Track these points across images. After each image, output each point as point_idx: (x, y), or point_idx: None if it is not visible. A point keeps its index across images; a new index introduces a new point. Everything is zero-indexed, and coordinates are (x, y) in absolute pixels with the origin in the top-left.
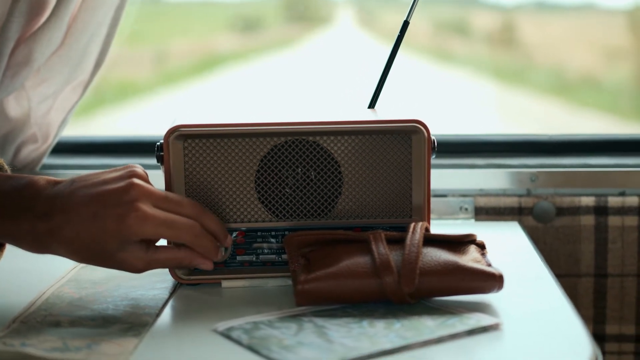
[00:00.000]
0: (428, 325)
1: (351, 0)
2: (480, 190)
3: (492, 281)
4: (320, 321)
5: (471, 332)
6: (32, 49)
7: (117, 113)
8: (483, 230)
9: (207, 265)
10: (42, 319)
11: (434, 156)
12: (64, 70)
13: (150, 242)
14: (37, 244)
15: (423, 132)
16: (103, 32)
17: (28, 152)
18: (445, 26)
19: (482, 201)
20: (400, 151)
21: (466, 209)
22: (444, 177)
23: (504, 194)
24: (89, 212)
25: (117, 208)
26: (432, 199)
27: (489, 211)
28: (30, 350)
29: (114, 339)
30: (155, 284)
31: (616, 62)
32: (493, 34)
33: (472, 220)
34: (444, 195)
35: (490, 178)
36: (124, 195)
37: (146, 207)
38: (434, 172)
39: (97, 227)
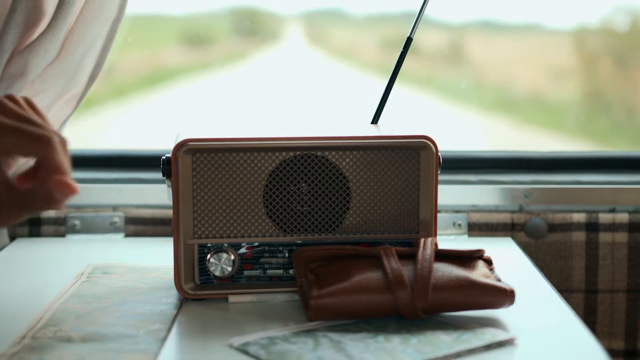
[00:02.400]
0: (444, 341)
1: (300, 17)
2: (473, 206)
3: (504, 296)
4: (335, 336)
5: (488, 347)
6: (28, 60)
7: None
8: (478, 246)
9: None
10: (52, 334)
11: (439, 171)
12: (58, 82)
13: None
14: None
15: (431, 147)
16: (99, 45)
17: (20, 164)
18: (392, 43)
19: (475, 217)
20: (408, 166)
21: (459, 225)
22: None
23: (496, 210)
24: None
25: None
26: None
27: (482, 227)
28: None
29: (129, 355)
30: (161, 299)
31: (561, 82)
32: (440, 52)
33: (466, 236)
34: (438, 211)
35: (483, 194)
36: None
37: (5, 101)
38: None
39: None
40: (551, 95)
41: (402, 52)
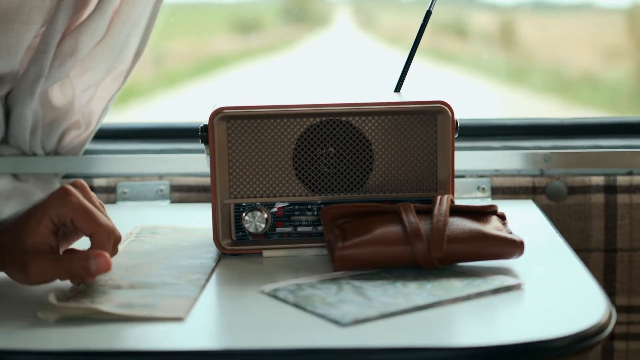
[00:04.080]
0: (456, 286)
1: (349, 1)
2: (496, 170)
3: (514, 247)
4: (357, 283)
5: (496, 291)
6: (78, 40)
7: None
8: (500, 208)
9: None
10: (104, 282)
11: (457, 135)
12: (106, 60)
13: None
14: None
15: (448, 112)
16: (143, 24)
17: (71, 138)
18: (442, 26)
19: (498, 181)
20: (426, 130)
21: (483, 189)
22: (462, 159)
23: (518, 174)
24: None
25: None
26: None
27: (504, 190)
28: (101, 307)
29: (172, 299)
30: (201, 254)
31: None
32: (491, 34)
33: (489, 199)
34: (462, 176)
35: (506, 159)
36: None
37: (73, 189)
38: None
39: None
40: (605, 75)
41: (421, 24)
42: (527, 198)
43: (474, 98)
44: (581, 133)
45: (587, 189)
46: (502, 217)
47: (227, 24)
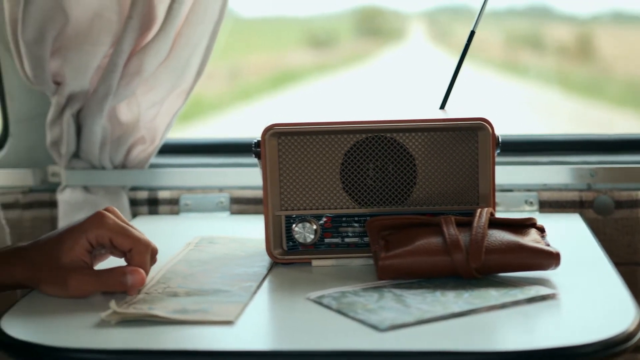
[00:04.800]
0: (493, 295)
1: (423, 14)
2: (544, 185)
3: (550, 258)
4: (398, 291)
5: (531, 300)
6: (143, 60)
7: (195, 128)
8: (547, 222)
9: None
10: (162, 290)
11: (498, 151)
12: (169, 79)
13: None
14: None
15: (488, 129)
16: (204, 45)
17: (137, 152)
18: (517, 39)
19: (546, 195)
20: (468, 146)
21: (531, 202)
22: (511, 173)
23: (566, 188)
24: (55, 234)
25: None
26: (500, 193)
27: (552, 204)
28: (157, 312)
29: (223, 304)
30: (255, 263)
31: None
32: (568, 46)
33: (537, 213)
34: (511, 190)
35: (553, 174)
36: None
37: (107, 213)
38: (501, 168)
39: (60, 233)
40: None
41: (465, 44)
42: (574, 212)
43: (548, 111)
44: (628, 148)
45: (634, 204)
46: (541, 230)
47: (302, 38)
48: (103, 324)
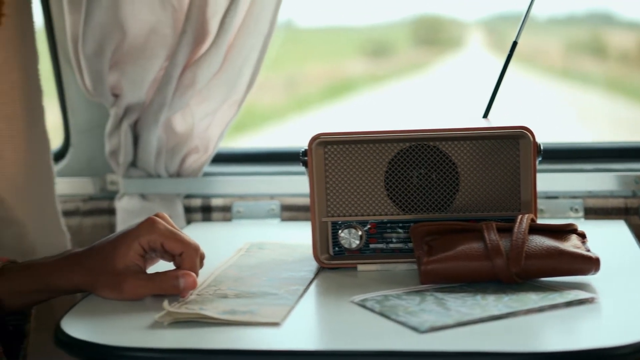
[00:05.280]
0: (532, 298)
1: (481, 23)
2: (589, 192)
3: (590, 263)
4: (440, 295)
5: (569, 304)
6: (196, 73)
7: (250, 139)
8: (592, 228)
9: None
10: (213, 292)
11: (540, 158)
12: (221, 90)
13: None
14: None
15: (529, 137)
16: (255, 57)
17: (192, 161)
18: (577, 46)
19: (591, 202)
20: (509, 153)
21: (576, 209)
22: (556, 180)
23: (611, 195)
24: (109, 240)
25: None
26: (545, 200)
27: (597, 211)
28: (207, 312)
29: (271, 307)
30: (302, 267)
31: None
32: (630, 53)
33: (582, 220)
34: (556, 197)
35: (598, 181)
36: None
37: (158, 219)
38: (547, 176)
39: (114, 239)
40: None
41: (508, 55)
42: (619, 219)
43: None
44: None
45: None
46: (582, 236)
47: (359, 47)
48: (156, 324)
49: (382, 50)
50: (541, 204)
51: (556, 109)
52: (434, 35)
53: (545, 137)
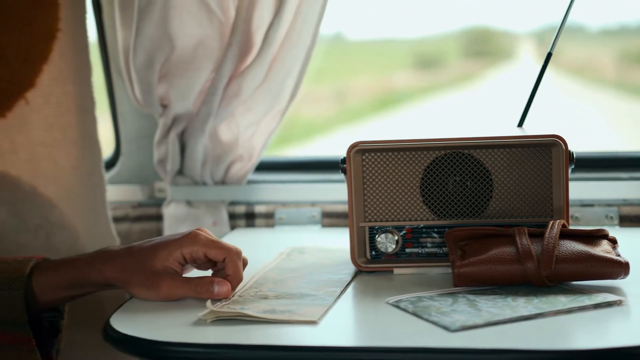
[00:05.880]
0: (561, 300)
1: (532, 34)
2: (624, 200)
3: (619, 267)
4: (472, 297)
5: (597, 306)
6: (241, 84)
7: (297, 150)
8: (627, 236)
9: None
10: (254, 293)
11: (572, 166)
12: (265, 100)
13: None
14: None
15: (561, 145)
16: (297, 69)
17: (236, 169)
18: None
19: (626, 210)
20: (542, 161)
21: (611, 217)
22: (591, 189)
23: None
24: (150, 242)
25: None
26: (581, 208)
27: (632, 219)
28: (248, 311)
29: (309, 306)
30: (340, 270)
31: None
32: None
33: (617, 227)
34: (591, 205)
35: (633, 189)
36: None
37: (199, 231)
38: (582, 184)
39: (155, 244)
40: None
41: (543, 65)
42: None
43: None
44: None
45: None
46: (613, 241)
47: (408, 59)
48: (199, 322)
49: (432, 62)
50: (577, 211)
51: (610, 120)
52: (484, 47)
53: (599, 147)
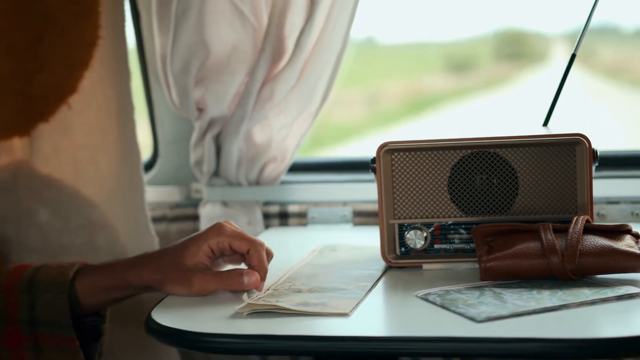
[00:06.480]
0: (585, 293)
1: (566, 36)
2: None
3: None
4: (498, 290)
5: (620, 298)
6: (274, 87)
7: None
8: None
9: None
10: (288, 287)
11: (596, 163)
12: (297, 103)
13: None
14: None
15: (585, 143)
16: (329, 72)
17: (270, 170)
18: None
19: None
20: (566, 159)
21: (637, 214)
22: (617, 186)
23: None
24: (179, 242)
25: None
26: (607, 205)
27: None
28: (283, 304)
29: (341, 300)
30: (371, 266)
31: None
32: None
33: None
34: (617, 202)
35: None
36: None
37: (224, 223)
38: (608, 182)
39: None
40: None
41: (567, 67)
42: None
43: None
44: None
45: None
46: (636, 236)
47: (441, 62)
48: (236, 314)
49: (464, 65)
50: (602, 208)
51: None
52: (516, 49)
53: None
